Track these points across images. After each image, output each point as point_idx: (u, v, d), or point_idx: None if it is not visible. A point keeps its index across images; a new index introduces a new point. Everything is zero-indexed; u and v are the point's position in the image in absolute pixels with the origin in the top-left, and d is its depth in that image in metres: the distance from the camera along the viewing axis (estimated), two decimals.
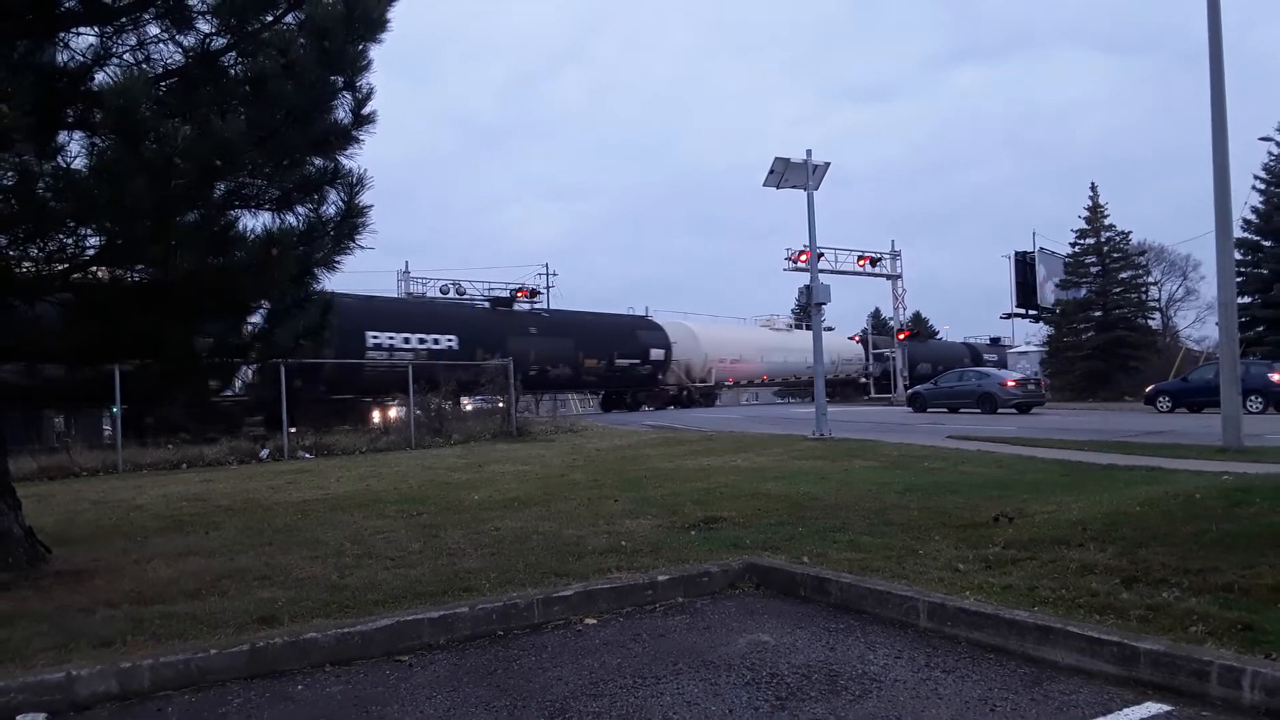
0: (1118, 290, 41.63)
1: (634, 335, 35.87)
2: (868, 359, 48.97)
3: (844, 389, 47.61)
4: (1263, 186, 36.55)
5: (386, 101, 6.47)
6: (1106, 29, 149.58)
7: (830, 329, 54.14)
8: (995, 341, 60.82)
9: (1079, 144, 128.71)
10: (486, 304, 34.31)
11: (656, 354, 35.89)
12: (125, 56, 6.06)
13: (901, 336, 44.24)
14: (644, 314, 41.28)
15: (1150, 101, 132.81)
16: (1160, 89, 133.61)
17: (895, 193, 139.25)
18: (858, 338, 50.71)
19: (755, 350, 42.57)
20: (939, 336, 60.86)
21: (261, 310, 6.96)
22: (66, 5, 5.87)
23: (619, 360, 33.61)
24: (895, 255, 42.88)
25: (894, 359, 43.52)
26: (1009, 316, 44.79)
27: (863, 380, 48.93)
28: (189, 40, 6.04)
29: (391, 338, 26.47)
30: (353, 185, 6.47)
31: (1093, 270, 41.94)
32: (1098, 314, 41.31)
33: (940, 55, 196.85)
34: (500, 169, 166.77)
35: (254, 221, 6.24)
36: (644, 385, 36.62)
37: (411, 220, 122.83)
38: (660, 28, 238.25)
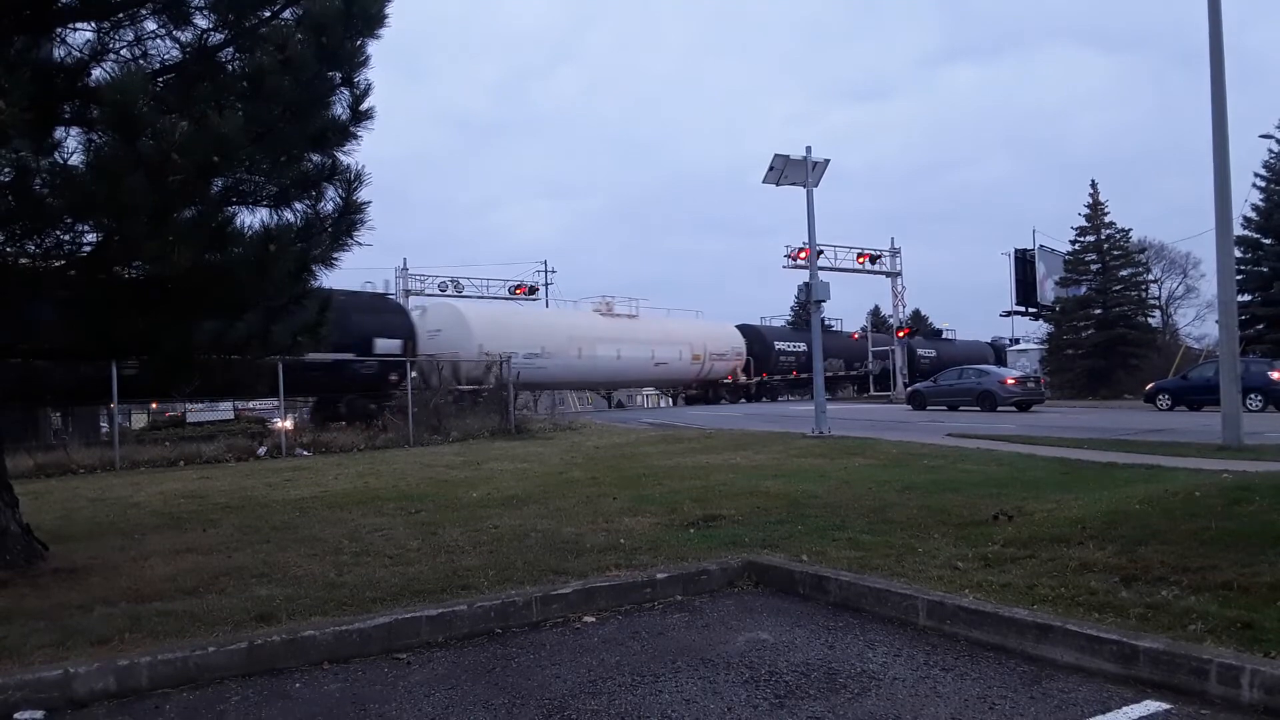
0: (1118, 288, 41.65)
1: (348, 320, 22.68)
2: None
3: (714, 390, 40.18)
4: (1263, 184, 36.53)
5: (382, 99, 6.47)
6: (1102, 27, 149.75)
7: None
8: (938, 334, 55.66)
9: (1078, 142, 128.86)
10: None
11: (387, 346, 24.08)
12: (122, 52, 6.05)
13: (901, 334, 44.06)
14: (384, 290, 30.05)
15: (1148, 100, 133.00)
16: (1158, 87, 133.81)
17: (894, 191, 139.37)
18: (857, 335, 49.06)
19: (568, 342, 31.86)
20: (939, 335, 60.72)
21: (260, 307, 6.94)
22: (64, 1, 5.85)
23: (317, 355, 19.55)
24: (895, 253, 42.86)
25: (893, 357, 43.43)
26: (1009, 314, 44.82)
27: (744, 381, 40.71)
28: (186, 36, 6.03)
29: None
30: (351, 182, 6.45)
31: (1093, 268, 41.95)
32: (1098, 312, 41.31)
33: (936, 54, 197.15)
34: (497, 167, 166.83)
35: (251, 218, 6.23)
36: (370, 390, 23.91)
37: (409, 218, 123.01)
38: (654, 25, 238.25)
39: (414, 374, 23.14)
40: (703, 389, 40.73)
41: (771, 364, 42.09)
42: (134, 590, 5.56)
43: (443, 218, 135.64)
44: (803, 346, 42.12)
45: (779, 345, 42.73)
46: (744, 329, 42.47)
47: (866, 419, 23.36)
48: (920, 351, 48.81)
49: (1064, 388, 39.63)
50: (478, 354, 26.35)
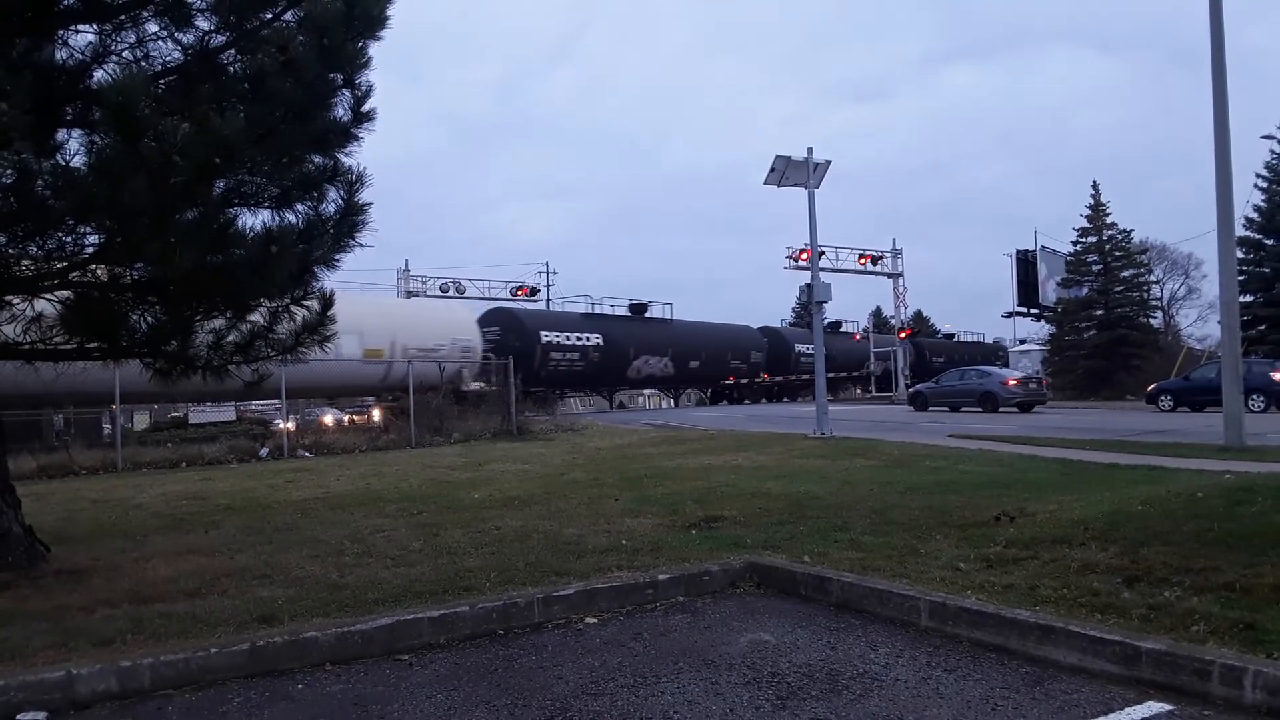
0: (1119, 289, 41.65)
1: None
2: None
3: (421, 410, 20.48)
4: (1264, 185, 36.46)
5: (382, 100, 6.47)
6: (1102, 28, 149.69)
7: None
8: (836, 327, 46.94)
9: (1078, 142, 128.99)
10: None
11: None
12: (124, 54, 6.06)
13: (903, 335, 43.96)
14: None
15: (1148, 100, 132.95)
16: (1158, 87, 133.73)
17: (894, 191, 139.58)
18: (858, 336, 48.48)
19: None
20: (940, 335, 60.76)
21: (262, 308, 6.95)
22: (66, 3, 5.86)
23: None
24: (896, 254, 42.84)
25: (895, 357, 43.37)
26: (1011, 315, 44.74)
27: (476, 388, 25.47)
28: (188, 38, 6.04)
29: None
30: (352, 183, 6.45)
31: (1094, 269, 41.97)
32: (1100, 312, 41.31)
33: (934, 54, 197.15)
34: (496, 167, 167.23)
35: (253, 219, 6.23)
36: None
37: (408, 219, 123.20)
38: (651, 25, 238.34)
39: None
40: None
41: (537, 365, 29.88)
42: (136, 592, 5.56)
43: (443, 219, 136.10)
44: (594, 340, 31.25)
45: (550, 338, 30.59)
46: (494, 315, 30.83)
47: (868, 420, 23.34)
48: (798, 346, 43.18)
49: (1066, 389, 39.59)
50: None
